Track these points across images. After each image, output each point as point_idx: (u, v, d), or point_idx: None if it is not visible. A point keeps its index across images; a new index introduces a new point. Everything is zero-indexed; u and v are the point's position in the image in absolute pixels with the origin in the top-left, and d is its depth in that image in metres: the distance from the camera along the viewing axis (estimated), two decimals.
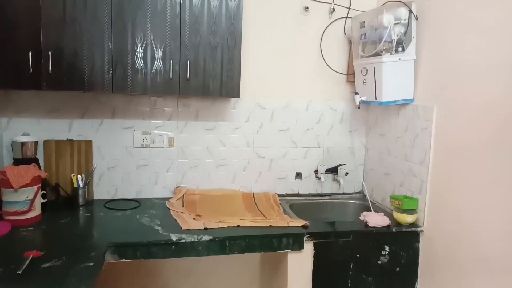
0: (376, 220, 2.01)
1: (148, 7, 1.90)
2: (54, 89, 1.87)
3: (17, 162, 1.98)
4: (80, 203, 2.12)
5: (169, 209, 2.10)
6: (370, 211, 2.17)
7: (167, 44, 1.95)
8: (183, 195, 2.28)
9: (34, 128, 2.14)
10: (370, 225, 2.00)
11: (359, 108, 2.32)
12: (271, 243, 1.85)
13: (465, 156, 1.75)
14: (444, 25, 1.88)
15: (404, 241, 2.01)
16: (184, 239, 1.74)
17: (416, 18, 2.01)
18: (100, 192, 2.26)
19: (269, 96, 2.42)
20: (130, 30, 1.90)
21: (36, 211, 1.84)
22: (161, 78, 1.96)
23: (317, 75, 2.47)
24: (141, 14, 1.90)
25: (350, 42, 2.44)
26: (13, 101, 2.11)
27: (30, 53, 1.79)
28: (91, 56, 1.87)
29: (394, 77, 2.04)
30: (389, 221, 2.02)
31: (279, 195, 2.45)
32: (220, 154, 2.40)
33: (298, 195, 2.54)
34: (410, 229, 2.01)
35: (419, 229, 2.01)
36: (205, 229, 1.83)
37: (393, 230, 1.99)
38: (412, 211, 2.01)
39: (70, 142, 2.19)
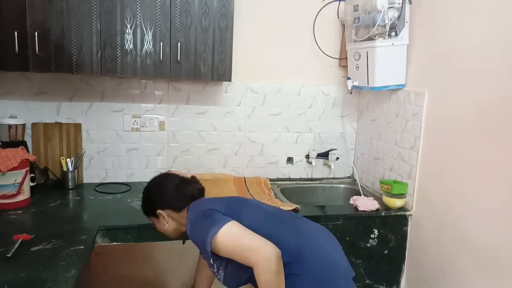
0: (365, 204, 2.04)
1: None
2: (41, 70, 1.83)
3: (4, 145, 1.94)
4: (70, 187, 2.10)
5: None
6: (360, 195, 2.20)
7: (157, 25, 1.91)
8: None
9: (22, 110, 2.10)
10: (359, 209, 2.02)
11: (351, 93, 2.32)
12: None
13: (454, 142, 1.76)
14: (437, 10, 1.87)
15: (392, 225, 2.05)
16: None
17: (410, 2, 2.00)
18: (90, 175, 2.25)
19: (261, 80, 2.40)
20: (119, 10, 1.86)
21: (25, 194, 1.82)
22: (151, 61, 1.93)
23: (310, 60, 2.45)
24: None
25: (343, 26, 2.42)
26: None
27: (16, 33, 1.74)
28: (79, 37, 1.83)
29: (387, 62, 2.04)
30: (379, 205, 2.05)
31: (270, 180, 2.46)
32: (212, 139, 2.39)
33: (289, 179, 2.56)
34: (399, 213, 2.04)
35: (407, 213, 2.04)
36: None
37: (382, 214, 2.02)
38: (401, 196, 2.04)
39: (59, 125, 2.15)
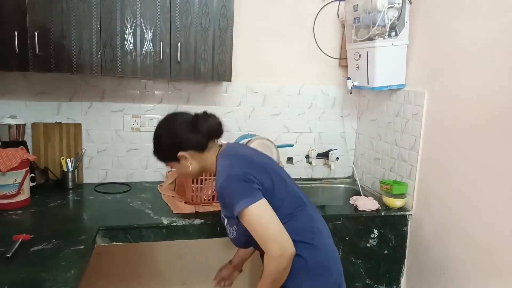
0: (365, 204, 2.04)
1: None
2: (41, 71, 1.83)
3: (4, 145, 1.94)
4: (70, 187, 2.10)
5: (161, 193, 2.09)
6: (360, 195, 2.20)
7: (157, 25, 1.91)
8: (175, 179, 2.27)
9: (22, 110, 2.10)
10: (360, 209, 2.02)
11: (351, 93, 2.32)
12: None
13: (454, 142, 1.76)
14: (437, 10, 1.87)
15: (392, 225, 2.05)
16: (175, 222, 1.74)
17: (410, 2, 2.00)
18: (90, 175, 2.25)
19: (261, 80, 2.40)
20: (119, 10, 1.86)
21: (25, 194, 1.82)
22: (151, 61, 1.93)
23: (310, 60, 2.45)
24: None
25: (343, 26, 2.42)
26: None
27: (16, 33, 1.74)
28: (79, 37, 1.83)
29: (387, 62, 2.04)
30: (379, 205, 2.05)
31: None
32: None
33: None
34: (399, 213, 2.04)
35: (407, 213, 2.04)
36: (196, 212, 1.84)
37: (382, 214, 2.02)
38: (401, 196, 2.03)
39: (59, 125, 2.15)
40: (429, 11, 1.92)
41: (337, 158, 2.52)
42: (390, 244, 2.07)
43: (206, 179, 1.90)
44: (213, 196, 1.94)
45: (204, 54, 1.99)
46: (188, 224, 1.75)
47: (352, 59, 2.23)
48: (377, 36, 2.01)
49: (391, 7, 1.97)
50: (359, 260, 2.04)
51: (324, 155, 2.52)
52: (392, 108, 2.20)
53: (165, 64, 1.95)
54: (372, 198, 2.12)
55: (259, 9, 2.33)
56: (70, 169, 2.10)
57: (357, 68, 2.19)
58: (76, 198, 2.01)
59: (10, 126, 1.97)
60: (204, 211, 1.86)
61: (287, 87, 2.45)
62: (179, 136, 1.35)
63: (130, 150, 2.28)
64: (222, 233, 1.82)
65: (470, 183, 1.68)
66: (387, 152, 2.25)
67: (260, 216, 1.21)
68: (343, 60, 2.45)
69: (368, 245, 2.04)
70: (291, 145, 2.45)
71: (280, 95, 2.45)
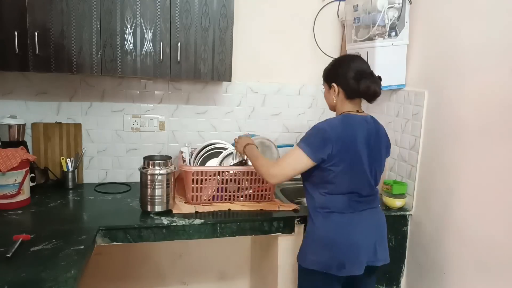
0: None
1: None
2: (41, 70, 1.83)
3: (4, 145, 1.94)
4: (70, 187, 2.10)
5: None
6: None
7: (157, 25, 1.91)
8: (175, 179, 2.27)
9: (22, 110, 2.10)
10: None
11: None
12: (262, 226, 1.87)
13: (454, 142, 1.76)
14: (437, 10, 1.87)
15: (393, 225, 2.04)
16: (175, 222, 1.74)
17: (410, 2, 2.00)
18: (90, 175, 2.25)
19: (261, 80, 2.40)
20: (119, 10, 1.86)
21: (25, 194, 1.82)
22: (151, 61, 1.93)
23: (310, 59, 2.45)
24: None
25: (343, 26, 2.42)
26: None
27: (16, 33, 1.74)
28: (79, 37, 1.83)
29: (387, 62, 2.04)
30: None
31: None
32: (212, 139, 2.38)
33: None
34: (399, 213, 2.04)
35: (407, 213, 2.04)
36: (196, 212, 1.84)
37: None
38: (401, 196, 2.03)
39: (59, 125, 2.15)
40: (429, 11, 1.92)
41: None
42: (390, 244, 2.06)
43: (206, 179, 1.90)
44: (213, 196, 1.94)
45: (204, 54, 1.99)
46: (188, 224, 1.75)
47: None
48: (377, 36, 2.01)
49: (391, 7, 1.97)
50: None
51: None
52: (392, 108, 2.20)
53: (165, 64, 1.95)
54: None
55: (259, 9, 2.33)
56: (70, 169, 2.10)
57: None
58: (76, 198, 2.01)
59: (10, 126, 1.97)
60: (204, 211, 1.86)
61: (287, 87, 2.45)
62: (344, 73, 1.54)
63: (130, 150, 2.28)
64: (222, 233, 1.82)
65: (470, 183, 1.68)
66: None
67: (294, 157, 1.49)
68: None
69: None
70: (291, 145, 2.45)
71: (280, 95, 2.45)
